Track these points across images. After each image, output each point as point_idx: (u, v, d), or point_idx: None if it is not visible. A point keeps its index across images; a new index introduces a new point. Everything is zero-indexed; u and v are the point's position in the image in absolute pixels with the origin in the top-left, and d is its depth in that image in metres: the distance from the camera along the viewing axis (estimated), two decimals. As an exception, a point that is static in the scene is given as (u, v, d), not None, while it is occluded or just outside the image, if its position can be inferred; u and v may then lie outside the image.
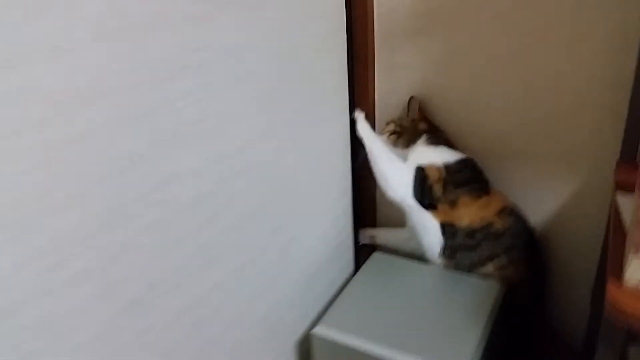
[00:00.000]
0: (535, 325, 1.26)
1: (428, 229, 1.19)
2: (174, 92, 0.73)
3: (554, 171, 1.20)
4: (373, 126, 1.32)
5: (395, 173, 1.17)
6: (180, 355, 0.85)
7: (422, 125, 1.23)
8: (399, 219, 1.28)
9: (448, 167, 1.17)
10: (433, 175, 1.17)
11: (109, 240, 0.68)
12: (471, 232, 1.17)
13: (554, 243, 1.26)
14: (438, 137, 1.23)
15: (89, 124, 0.63)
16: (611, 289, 0.71)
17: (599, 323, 1.24)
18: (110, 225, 0.68)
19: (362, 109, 1.25)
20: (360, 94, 1.29)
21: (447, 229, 1.18)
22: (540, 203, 1.24)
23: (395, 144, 1.23)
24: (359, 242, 1.42)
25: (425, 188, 1.16)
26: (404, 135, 1.23)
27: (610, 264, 0.76)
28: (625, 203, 0.92)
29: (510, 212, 1.19)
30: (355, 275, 1.25)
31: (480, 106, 1.23)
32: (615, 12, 1.02)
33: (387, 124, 1.27)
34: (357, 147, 1.28)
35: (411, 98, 1.26)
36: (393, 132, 1.24)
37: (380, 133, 1.26)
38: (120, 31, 0.65)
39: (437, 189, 1.17)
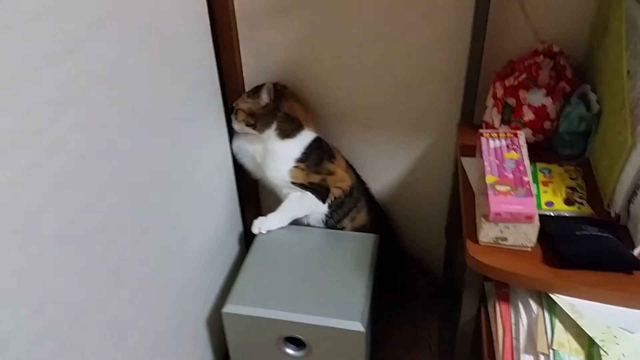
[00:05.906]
0: (397, 259, 1.51)
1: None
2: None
3: (405, 134, 1.39)
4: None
5: (304, 206, 1.35)
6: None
7: (277, 112, 1.29)
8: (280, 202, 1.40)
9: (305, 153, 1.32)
10: (310, 179, 1.33)
11: None
12: (350, 192, 1.37)
13: (411, 191, 1.48)
14: (290, 122, 1.30)
15: None
16: (469, 246, 0.90)
17: (454, 257, 1.52)
18: None
19: (231, 82, 1.34)
20: (227, 69, 1.34)
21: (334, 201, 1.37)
22: (399, 158, 1.44)
23: (249, 129, 1.31)
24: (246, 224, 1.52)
25: (322, 190, 1.34)
26: (258, 122, 1.29)
27: (465, 223, 0.95)
28: (468, 163, 1.12)
29: (348, 167, 1.41)
30: (249, 252, 1.33)
31: (339, 82, 1.35)
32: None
33: (236, 112, 1.31)
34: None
35: (270, 84, 1.29)
36: (248, 124, 1.30)
37: (235, 121, 1.32)
38: None
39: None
